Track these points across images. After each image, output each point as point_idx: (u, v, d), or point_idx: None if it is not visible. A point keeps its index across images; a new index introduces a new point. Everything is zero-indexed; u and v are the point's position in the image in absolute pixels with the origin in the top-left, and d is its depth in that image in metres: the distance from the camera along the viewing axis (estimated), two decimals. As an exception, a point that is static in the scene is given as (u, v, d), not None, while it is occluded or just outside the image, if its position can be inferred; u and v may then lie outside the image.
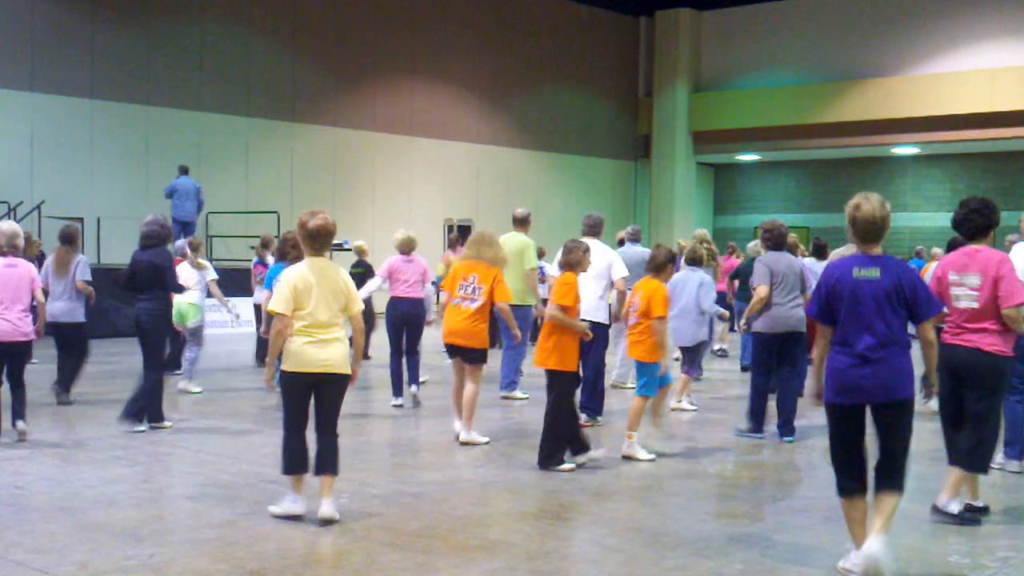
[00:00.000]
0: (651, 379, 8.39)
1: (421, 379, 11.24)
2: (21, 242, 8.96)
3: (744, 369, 13.71)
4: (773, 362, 9.37)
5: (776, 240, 9.53)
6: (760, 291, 9.18)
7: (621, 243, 13.06)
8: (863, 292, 5.30)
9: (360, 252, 13.96)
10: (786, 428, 9.31)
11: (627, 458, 8.29)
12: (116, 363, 14.24)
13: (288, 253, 9.84)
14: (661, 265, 8.54)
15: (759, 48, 30.89)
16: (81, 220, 18.17)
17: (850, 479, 5.43)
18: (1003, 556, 5.92)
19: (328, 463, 6.39)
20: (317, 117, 25.10)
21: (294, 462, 6.44)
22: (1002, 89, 26.28)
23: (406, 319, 10.86)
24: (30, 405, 9.15)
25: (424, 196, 27.12)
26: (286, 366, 6.40)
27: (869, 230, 5.35)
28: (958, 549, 6.01)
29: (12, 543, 5.84)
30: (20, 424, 8.76)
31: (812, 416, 9.88)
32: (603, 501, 7.12)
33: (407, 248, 11.03)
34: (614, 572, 5.57)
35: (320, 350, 6.34)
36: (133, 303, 9.74)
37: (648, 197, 32.61)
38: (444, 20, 27.49)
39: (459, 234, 19.24)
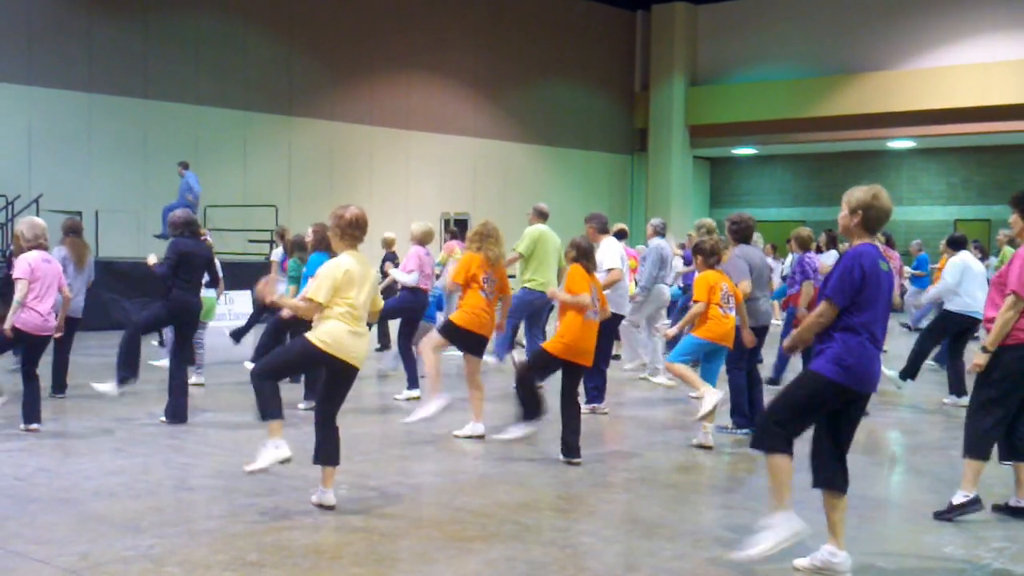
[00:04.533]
0: None
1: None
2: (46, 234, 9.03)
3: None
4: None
5: (744, 233, 9.32)
6: (744, 286, 8.99)
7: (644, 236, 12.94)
8: (887, 286, 5.31)
9: (388, 244, 13.88)
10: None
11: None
12: (113, 357, 14.18)
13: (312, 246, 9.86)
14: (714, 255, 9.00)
15: (755, 42, 30.93)
16: (79, 214, 18.19)
17: (843, 473, 5.34)
18: (998, 547, 5.97)
19: (332, 455, 6.50)
20: (314, 111, 25.09)
21: (271, 407, 6.42)
22: (997, 83, 26.31)
23: (422, 313, 10.93)
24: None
25: (421, 190, 27.13)
26: (329, 348, 6.35)
27: (883, 221, 5.38)
28: (952, 540, 6.06)
29: (12, 534, 5.87)
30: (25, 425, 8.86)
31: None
32: (600, 492, 7.17)
33: (428, 240, 11.12)
34: (611, 563, 5.61)
35: (360, 343, 6.49)
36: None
37: (645, 191, 32.65)
38: (441, 14, 27.49)
39: (457, 228, 19.28)
